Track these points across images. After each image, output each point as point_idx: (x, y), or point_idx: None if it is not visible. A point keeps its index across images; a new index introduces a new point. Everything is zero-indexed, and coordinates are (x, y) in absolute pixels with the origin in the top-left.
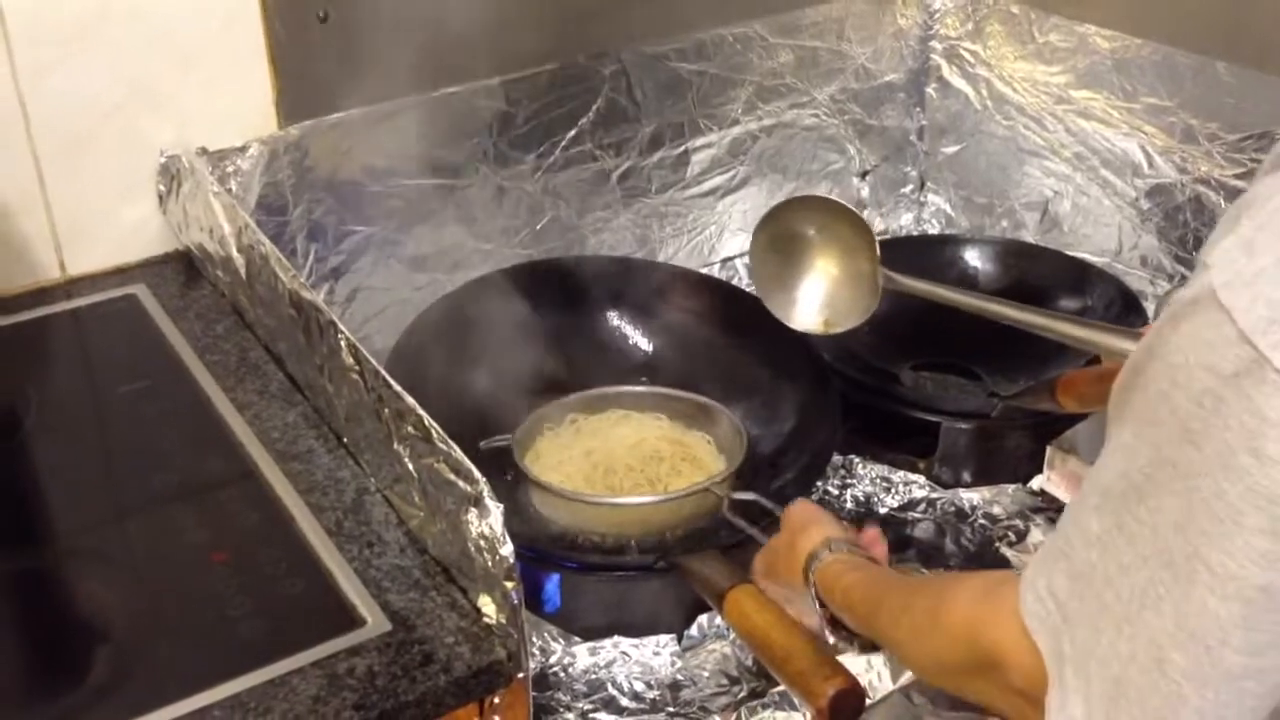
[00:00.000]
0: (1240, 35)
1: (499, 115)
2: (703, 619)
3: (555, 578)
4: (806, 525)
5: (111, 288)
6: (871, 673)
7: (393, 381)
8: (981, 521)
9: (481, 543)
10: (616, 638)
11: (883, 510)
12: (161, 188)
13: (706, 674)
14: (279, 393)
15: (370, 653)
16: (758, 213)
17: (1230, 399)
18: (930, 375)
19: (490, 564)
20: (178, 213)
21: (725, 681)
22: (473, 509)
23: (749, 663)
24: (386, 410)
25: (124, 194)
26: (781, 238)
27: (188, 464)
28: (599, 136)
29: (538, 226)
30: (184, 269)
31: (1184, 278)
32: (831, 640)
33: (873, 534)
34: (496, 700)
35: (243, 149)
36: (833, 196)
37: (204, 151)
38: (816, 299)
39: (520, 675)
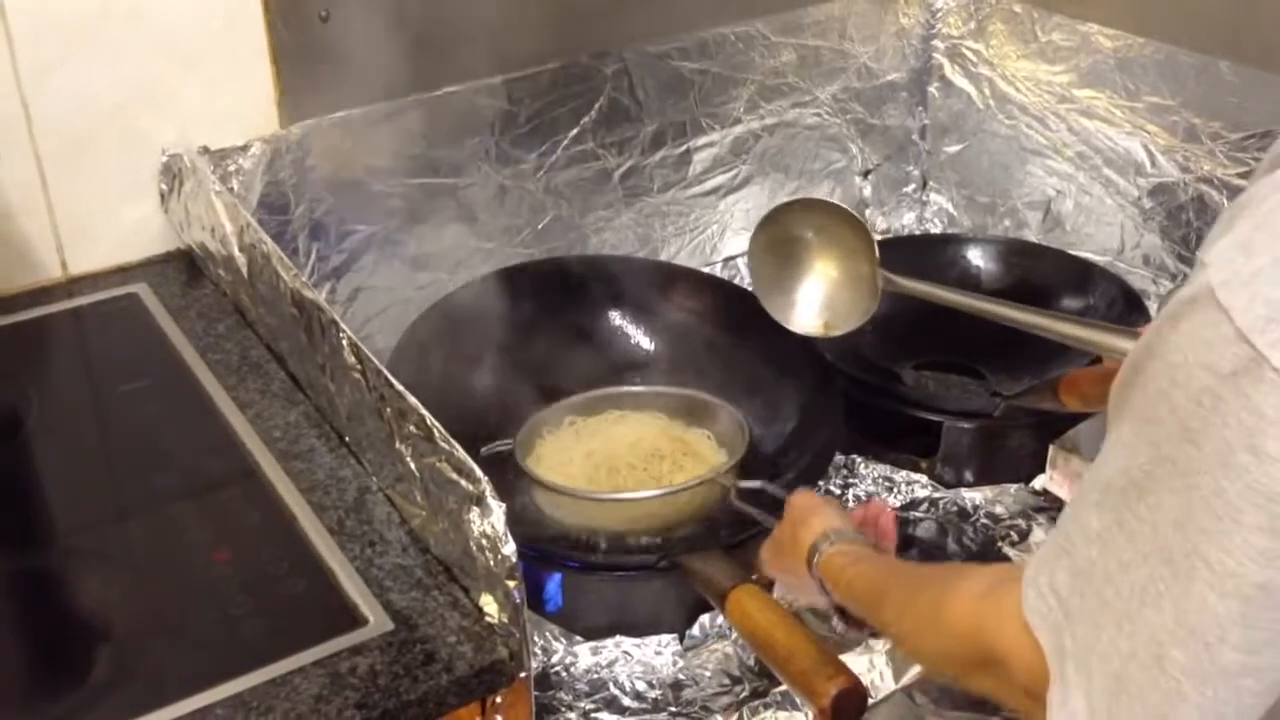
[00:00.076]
0: (1243, 34)
1: (501, 114)
2: (705, 618)
3: (557, 577)
4: (808, 516)
5: (113, 287)
6: (874, 672)
7: (395, 381)
8: (984, 521)
9: (483, 542)
10: (618, 637)
11: None
12: (163, 187)
13: (708, 673)
14: (280, 392)
15: (372, 652)
16: (760, 212)
17: (1228, 397)
18: (933, 374)
19: (492, 563)
20: (179, 212)
21: (727, 681)
22: (475, 508)
23: (751, 662)
24: (388, 409)
25: (126, 193)
26: (780, 240)
27: (189, 463)
28: (601, 135)
29: (539, 226)
30: (185, 268)
31: (1186, 277)
32: (840, 627)
33: (877, 508)
34: (498, 700)
35: (244, 148)
36: (834, 197)
37: (206, 151)
38: (816, 301)
39: (522, 675)
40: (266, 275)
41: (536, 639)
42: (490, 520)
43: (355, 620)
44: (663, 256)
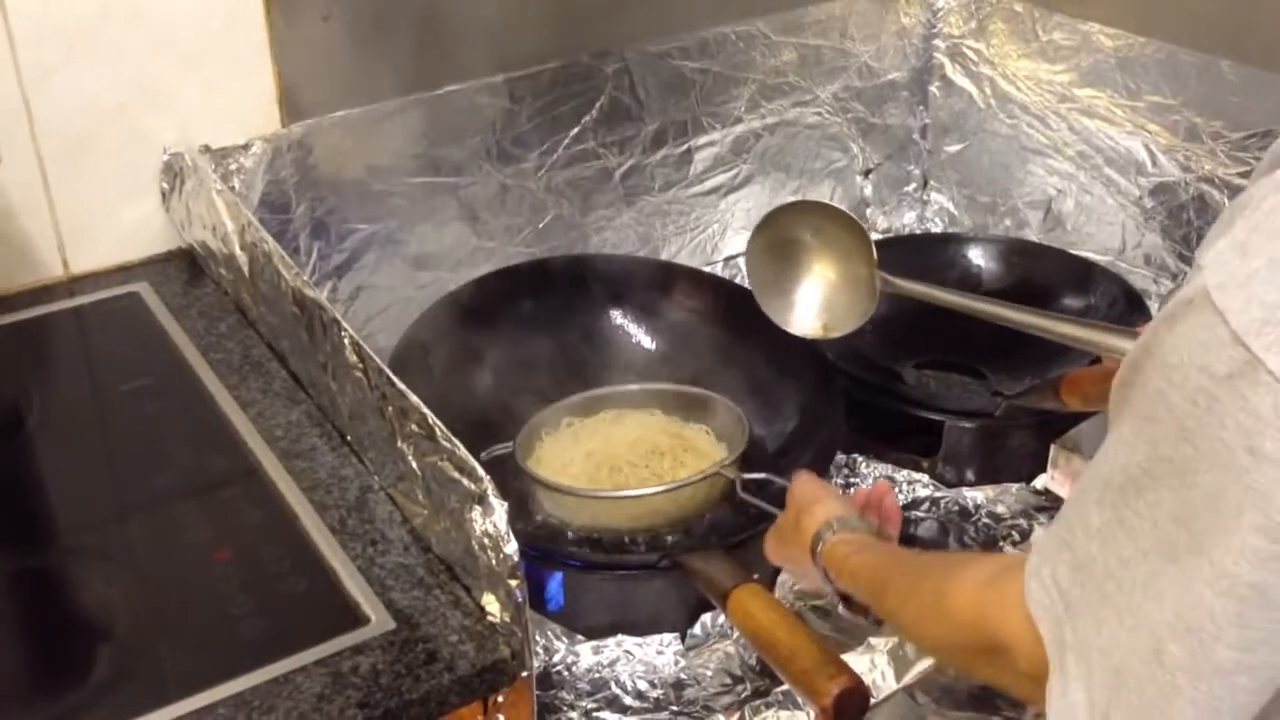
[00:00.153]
0: (1244, 34)
1: (502, 113)
2: (706, 618)
3: (559, 576)
4: (810, 504)
5: (114, 286)
6: (875, 672)
7: (396, 379)
8: (985, 520)
9: (485, 541)
10: (620, 636)
11: None
12: (164, 186)
13: (710, 673)
14: (282, 391)
15: (374, 651)
16: (760, 211)
17: (1224, 399)
18: (934, 374)
19: (494, 562)
20: (180, 211)
21: (729, 680)
22: (476, 507)
23: (752, 661)
24: (390, 408)
25: (127, 192)
26: (778, 243)
27: (190, 462)
28: (602, 135)
29: (540, 225)
30: (187, 267)
31: (1187, 277)
32: (845, 614)
33: (880, 491)
34: (500, 699)
35: (246, 147)
36: (834, 196)
37: (207, 149)
38: (814, 304)
39: (524, 674)
40: (268, 274)
41: (538, 638)
42: (492, 519)
43: (357, 619)
44: (663, 256)
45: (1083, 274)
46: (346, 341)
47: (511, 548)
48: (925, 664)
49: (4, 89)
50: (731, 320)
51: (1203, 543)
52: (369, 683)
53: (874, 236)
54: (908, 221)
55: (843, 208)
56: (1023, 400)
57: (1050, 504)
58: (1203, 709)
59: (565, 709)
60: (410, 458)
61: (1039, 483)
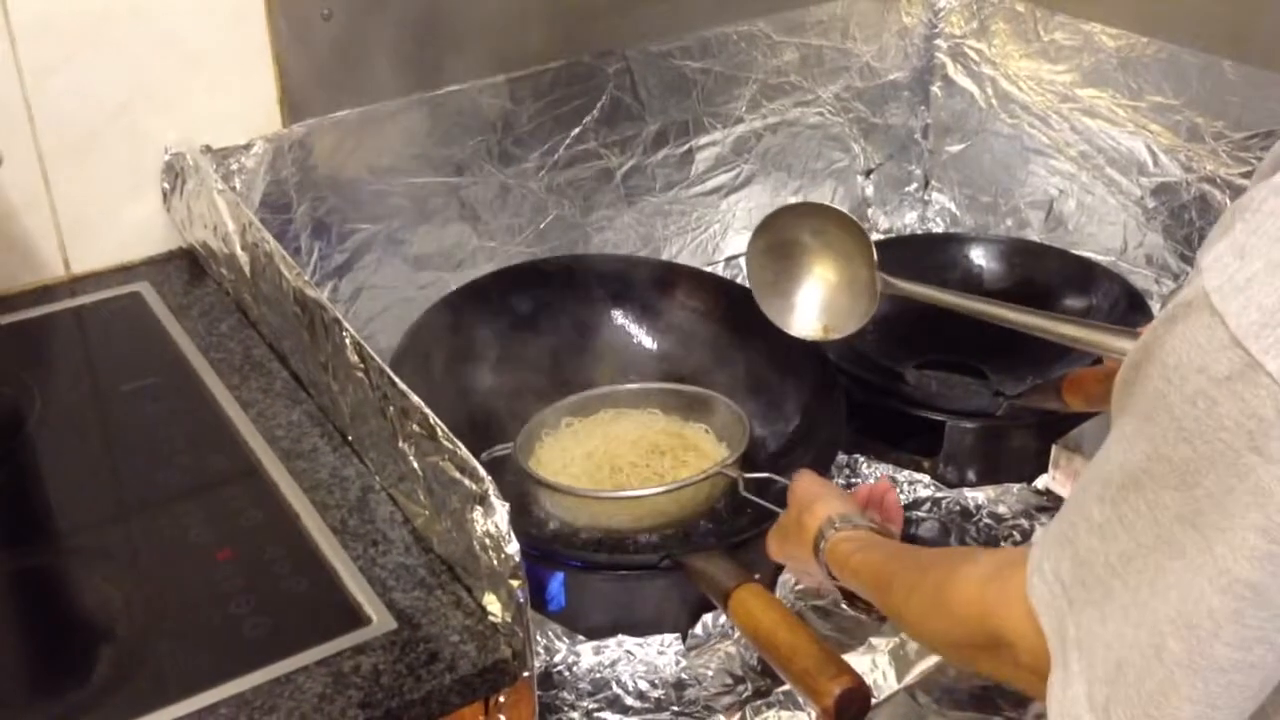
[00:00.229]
0: (1246, 34)
1: (503, 113)
2: (707, 618)
3: (560, 576)
4: (812, 502)
5: (115, 285)
6: (876, 672)
7: (397, 379)
8: (986, 521)
9: (487, 541)
10: (621, 636)
11: None
12: (165, 186)
13: (711, 673)
14: (283, 391)
15: (375, 651)
16: (762, 211)
17: (1223, 401)
18: (935, 374)
19: (495, 562)
20: (182, 210)
21: (730, 680)
22: (478, 507)
23: (754, 662)
24: (391, 408)
25: (128, 192)
26: (777, 245)
27: (192, 462)
28: (603, 135)
29: (541, 225)
30: (188, 267)
31: (1188, 277)
32: (849, 612)
33: (881, 488)
34: (501, 699)
35: (247, 147)
36: (836, 196)
37: (208, 149)
38: (815, 305)
39: (525, 674)
40: (269, 274)
41: (539, 638)
42: (493, 519)
43: (358, 619)
44: (665, 256)
45: (1084, 274)
46: (348, 341)
47: (513, 548)
48: (926, 664)
49: (5, 88)
50: (732, 320)
51: (1209, 539)
52: (370, 683)
53: (875, 236)
54: (909, 221)
55: (843, 209)
56: (1024, 400)
57: (1052, 504)
58: (1200, 705)
59: (566, 709)
60: (411, 458)
61: (1040, 483)
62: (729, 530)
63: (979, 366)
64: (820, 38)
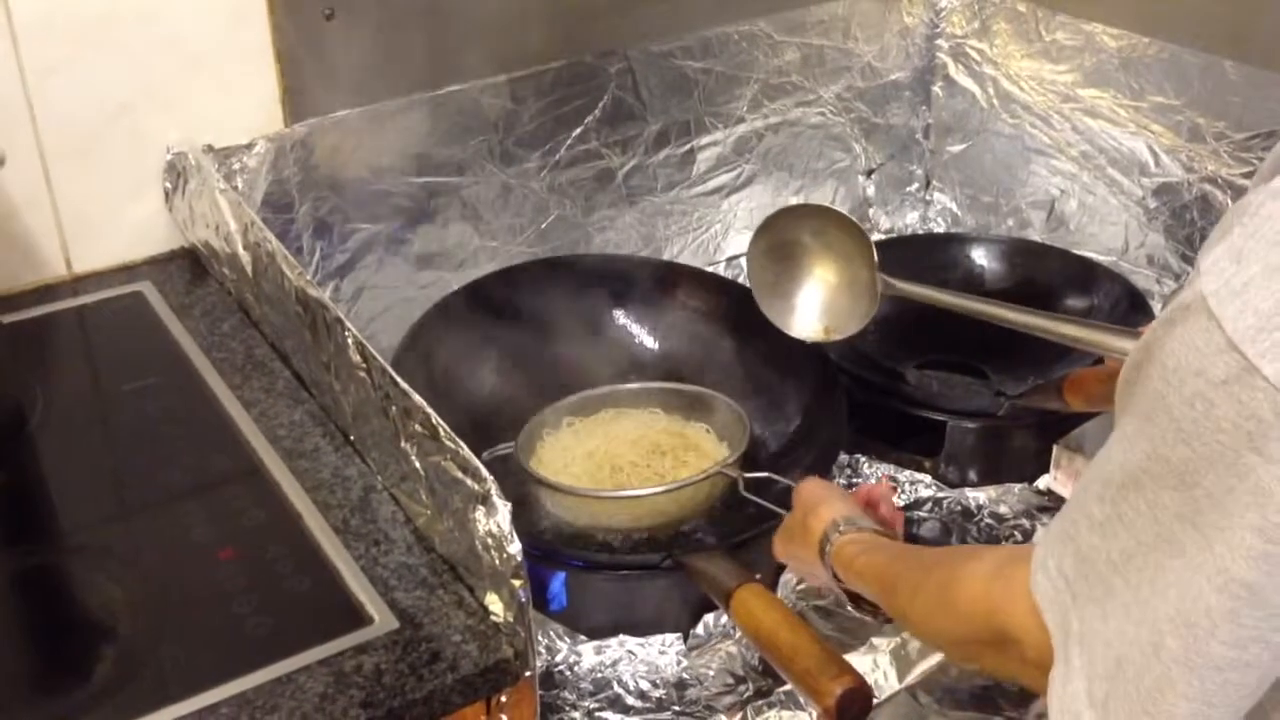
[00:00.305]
0: (1247, 34)
1: (504, 113)
2: (709, 618)
3: (561, 576)
4: (816, 505)
5: (117, 285)
6: (878, 672)
7: (399, 379)
8: (987, 521)
9: (489, 540)
10: (622, 636)
11: None
12: (167, 185)
13: (712, 673)
14: (285, 390)
15: (377, 651)
16: (763, 211)
17: (1220, 404)
18: (936, 374)
19: (497, 562)
20: (184, 210)
21: (731, 680)
22: (480, 507)
23: (755, 662)
24: (393, 408)
25: (130, 191)
26: (778, 246)
27: (194, 461)
28: (605, 135)
29: (543, 225)
30: (190, 266)
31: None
32: (855, 614)
33: (880, 491)
34: (503, 699)
35: (249, 146)
36: (837, 196)
37: (210, 149)
38: (815, 307)
39: (527, 674)
40: (271, 274)
41: (541, 638)
42: (495, 519)
43: (360, 619)
44: (666, 256)
45: (1085, 274)
46: (350, 341)
47: (515, 548)
48: (928, 664)
49: (7, 88)
50: (733, 320)
51: (1209, 538)
52: (372, 682)
53: (877, 236)
54: (910, 221)
55: (844, 209)
56: (1025, 400)
57: (1053, 504)
58: (1196, 702)
59: (568, 709)
60: (413, 458)
61: (1041, 483)
62: (730, 530)
63: (980, 367)
64: (821, 38)
